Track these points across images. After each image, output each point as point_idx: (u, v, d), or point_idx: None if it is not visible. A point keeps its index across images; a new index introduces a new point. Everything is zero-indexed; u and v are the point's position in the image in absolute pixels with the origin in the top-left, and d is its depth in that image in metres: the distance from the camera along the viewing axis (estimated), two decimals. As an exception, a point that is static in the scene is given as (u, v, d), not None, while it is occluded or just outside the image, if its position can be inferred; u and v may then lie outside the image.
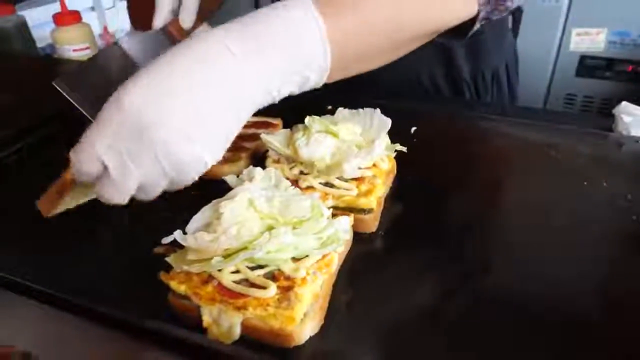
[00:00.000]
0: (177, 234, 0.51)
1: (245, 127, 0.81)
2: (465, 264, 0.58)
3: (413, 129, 0.81)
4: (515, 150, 0.75)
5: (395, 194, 0.69)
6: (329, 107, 0.85)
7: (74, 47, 1.33)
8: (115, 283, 0.56)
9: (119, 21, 2.21)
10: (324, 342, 0.49)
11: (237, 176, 0.62)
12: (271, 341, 0.49)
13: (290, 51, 0.45)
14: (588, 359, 0.47)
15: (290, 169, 0.66)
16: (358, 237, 0.61)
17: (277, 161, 0.68)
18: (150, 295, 0.52)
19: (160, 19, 0.63)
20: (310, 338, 0.49)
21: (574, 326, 0.50)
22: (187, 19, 0.63)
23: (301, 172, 0.66)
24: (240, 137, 0.78)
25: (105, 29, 2.18)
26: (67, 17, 1.32)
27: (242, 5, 1.03)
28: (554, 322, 0.50)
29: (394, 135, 0.68)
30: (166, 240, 0.52)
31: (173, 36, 0.63)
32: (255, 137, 0.78)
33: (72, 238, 0.62)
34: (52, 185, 0.57)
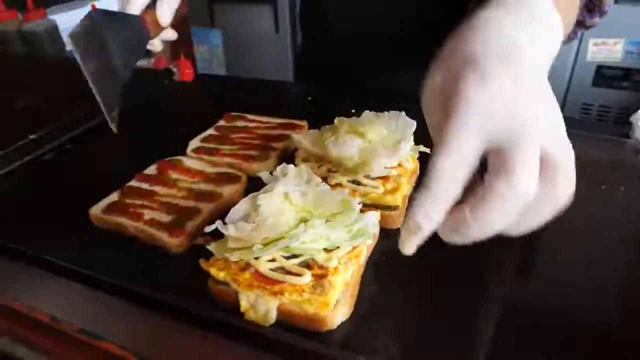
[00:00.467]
0: (218, 224, 0.55)
1: (273, 128, 0.86)
2: (486, 262, 0.60)
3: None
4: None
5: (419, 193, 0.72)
6: (353, 111, 0.89)
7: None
8: (160, 272, 0.60)
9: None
10: (354, 327, 0.53)
11: (270, 173, 0.66)
12: (305, 325, 0.52)
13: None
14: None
15: (319, 167, 0.70)
16: (384, 232, 0.64)
17: (306, 160, 0.72)
18: (192, 283, 0.56)
19: (135, 6, 0.64)
20: (342, 323, 0.53)
21: (591, 330, 0.51)
22: (165, 15, 0.65)
23: (329, 170, 0.70)
24: (269, 138, 0.83)
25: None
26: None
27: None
28: (569, 324, 0.52)
29: (416, 137, 0.71)
30: (208, 229, 0.55)
31: (146, 26, 0.65)
32: (283, 138, 0.82)
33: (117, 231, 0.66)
34: None
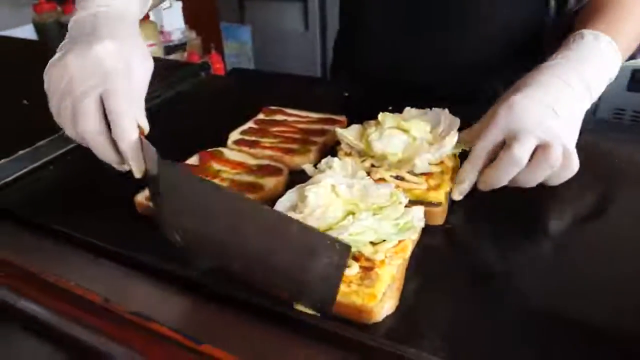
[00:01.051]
0: (267, 213, 0.56)
1: (314, 122, 0.87)
2: (527, 260, 0.61)
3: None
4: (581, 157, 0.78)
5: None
6: (390, 108, 0.89)
7: (142, 43, 1.42)
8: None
9: (175, 20, 2.32)
10: (399, 321, 0.53)
11: (314, 166, 0.67)
12: (352, 316, 0.52)
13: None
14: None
15: (362, 161, 0.70)
16: (426, 229, 0.64)
17: (349, 154, 0.73)
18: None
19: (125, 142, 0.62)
20: (387, 317, 0.53)
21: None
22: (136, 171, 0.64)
23: (372, 166, 0.70)
24: (309, 132, 0.83)
25: (162, 27, 2.29)
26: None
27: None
28: (614, 329, 0.52)
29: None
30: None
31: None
32: (323, 132, 0.83)
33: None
34: None
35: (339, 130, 0.73)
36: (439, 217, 0.66)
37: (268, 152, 0.79)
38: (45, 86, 0.62)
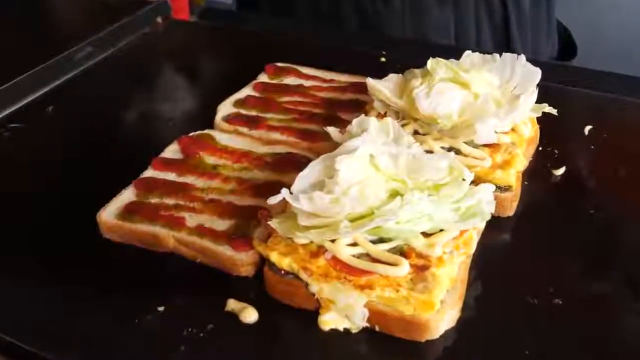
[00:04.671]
0: (285, 193, 0.56)
1: (342, 89, 0.84)
2: (614, 265, 0.63)
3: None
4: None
5: (538, 170, 0.74)
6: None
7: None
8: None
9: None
10: (461, 337, 0.55)
11: (340, 130, 0.68)
12: (399, 332, 0.54)
13: None
14: None
15: (402, 126, 0.71)
16: (491, 220, 0.63)
17: (383, 116, 0.73)
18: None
19: None
20: (446, 332, 0.55)
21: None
22: None
23: (415, 132, 0.71)
24: (337, 104, 0.82)
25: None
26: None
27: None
28: None
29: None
30: (273, 200, 0.57)
31: None
32: (357, 105, 0.81)
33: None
34: None
35: (371, 81, 0.74)
36: (509, 205, 0.67)
37: (276, 136, 0.77)
38: None
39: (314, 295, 0.55)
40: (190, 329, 0.55)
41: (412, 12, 1.10)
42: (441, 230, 0.57)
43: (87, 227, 0.66)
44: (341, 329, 0.55)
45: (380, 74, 0.77)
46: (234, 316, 0.57)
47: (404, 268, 0.54)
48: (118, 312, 0.58)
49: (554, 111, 0.72)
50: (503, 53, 0.74)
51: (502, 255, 0.64)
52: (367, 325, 0.55)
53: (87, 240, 0.66)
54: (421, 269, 0.54)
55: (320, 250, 0.56)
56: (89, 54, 0.93)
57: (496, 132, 0.68)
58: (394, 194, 0.57)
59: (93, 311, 0.58)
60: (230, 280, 0.61)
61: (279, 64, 0.90)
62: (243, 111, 0.82)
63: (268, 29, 1.10)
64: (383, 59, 0.98)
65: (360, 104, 0.81)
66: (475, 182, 0.64)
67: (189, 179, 0.70)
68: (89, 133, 0.81)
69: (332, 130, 0.67)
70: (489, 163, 0.67)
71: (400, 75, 0.75)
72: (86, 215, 0.66)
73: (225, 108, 0.82)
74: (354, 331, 0.55)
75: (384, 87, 0.73)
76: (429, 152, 0.68)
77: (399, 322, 0.53)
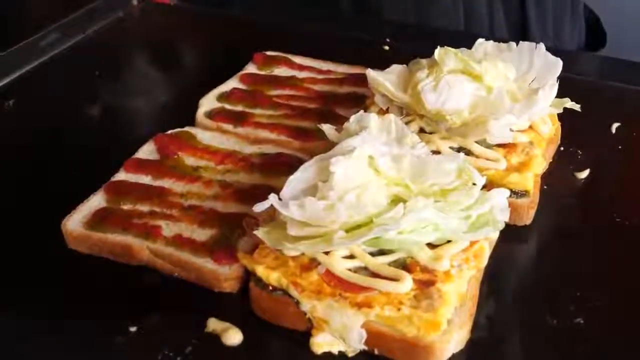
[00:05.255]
0: (273, 199, 0.56)
1: (340, 82, 0.85)
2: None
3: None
4: None
5: (558, 173, 0.74)
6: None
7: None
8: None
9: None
10: (472, 361, 0.55)
11: (336, 128, 0.68)
12: (400, 355, 0.54)
13: None
14: None
15: (406, 123, 0.71)
16: (506, 230, 0.63)
17: (385, 112, 0.73)
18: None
19: None
20: (453, 356, 0.54)
21: None
22: None
23: (421, 130, 0.72)
24: (334, 98, 0.83)
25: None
26: None
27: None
28: None
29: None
30: (260, 207, 0.57)
31: None
32: (356, 99, 0.82)
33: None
34: None
35: (372, 73, 0.74)
36: (525, 213, 0.67)
37: (265, 134, 0.78)
38: None
39: (305, 314, 0.55)
40: (166, 352, 0.55)
41: None
42: (449, 241, 0.57)
43: (50, 237, 0.66)
44: (336, 352, 0.55)
45: (382, 65, 0.77)
46: (215, 337, 0.57)
47: (407, 283, 0.54)
48: (84, 334, 0.58)
49: (577, 107, 0.72)
50: (520, 42, 0.74)
51: (517, 270, 0.64)
52: (365, 348, 0.55)
53: (50, 252, 0.66)
54: (426, 285, 0.55)
55: (312, 263, 0.56)
56: (56, 41, 0.93)
57: (512, 131, 0.69)
58: (396, 200, 0.58)
59: (55, 333, 0.58)
60: (211, 297, 0.61)
61: (269, 53, 0.91)
62: (228, 106, 0.82)
63: (257, 13, 1.10)
64: (387, 47, 0.98)
65: (359, 99, 0.82)
66: (487, 186, 0.64)
67: (166, 183, 0.70)
68: (53, 130, 0.81)
69: (327, 128, 0.67)
70: (503, 165, 0.67)
71: (405, 66, 0.75)
72: (49, 224, 0.66)
73: (208, 102, 0.82)
74: (350, 355, 0.55)
75: (386, 80, 0.73)
76: (436, 152, 0.68)
77: (401, 344, 0.54)
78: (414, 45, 0.87)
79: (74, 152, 0.79)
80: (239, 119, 0.79)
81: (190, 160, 0.73)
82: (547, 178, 0.72)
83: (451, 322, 0.54)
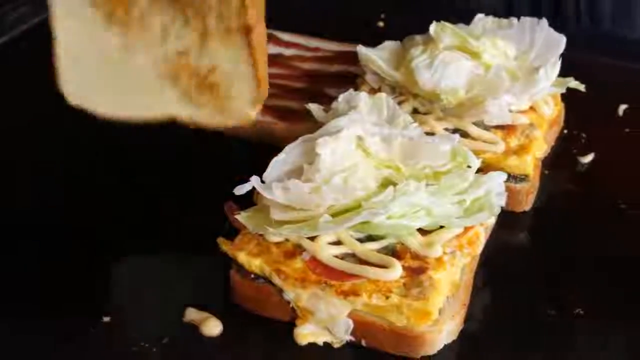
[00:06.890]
0: (255, 181, 0.56)
1: (329, 60, 0.84)
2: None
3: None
4: None
5: (560, 157, 0.75)
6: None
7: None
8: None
9: None
10: (464, 355, 0.55)
11: (324, 108, 0.68)
12: (389, 347, 0.54)
13: None
14: None
15: (398, 103, 0.71)
16: (503, 215, 0.64)
17: (377, 90, 0.73)
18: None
19: None
20: (445, 347, 0.55)
21: None
22: None
23: (415, 110, 0.71)
24: (322, 77, 0.83)
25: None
26: None
27: None
28: None
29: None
30: (240, 190, 0.57)
31: None
32: (346, 78, 0.81)
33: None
34: None
35: (363, 50, 0.74)
36: (524, 198, 0.68)
37: None
38: None
39: (289, 303, 0.55)
40: (142, 344, 0.55)
41: None
42: (441, 226, 0.57)
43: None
44: (321, 343, 0.55)
45: (374, 42, 0.77)
46: (194, 328, 0.57)
47: (396, 271, 0.54)
48: (51, 326, 0.57)
49: (582, 87, 0.72)
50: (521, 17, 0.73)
51: (514, 257, 0.64)
52: (352, 339, 0.55)
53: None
54: (416, 272, 0.55)
55: (296, 250, 0.56)
56: (22, 16, 0.91)
57: (511, 111, 0.69)
58: (386, 183, 0.58)
59: (21, 325, 0.58)
60: (190, 286, 0.61)
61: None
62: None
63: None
64: (381, 24, 0.97)
65: (350, 78, 0.81)
66: (484, 169, 0.64)
67: None
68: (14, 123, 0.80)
69: (314, 108, 0.67)
70: (501, 148, 0.67)
71: (398, 42, 0.75)
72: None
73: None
74: (336, 346, 0.55)
75: (377, 57, 0.73)
76: (431, 134, 0.68)
77: (390, 335, 0.54)
78: (410, 21, 0.86)
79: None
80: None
81: None
82: (548, 162, 0.73)
83: (443, 311, 0.54)
